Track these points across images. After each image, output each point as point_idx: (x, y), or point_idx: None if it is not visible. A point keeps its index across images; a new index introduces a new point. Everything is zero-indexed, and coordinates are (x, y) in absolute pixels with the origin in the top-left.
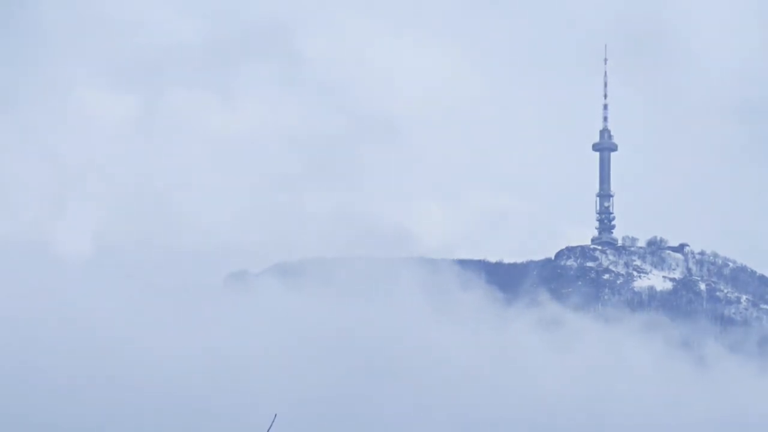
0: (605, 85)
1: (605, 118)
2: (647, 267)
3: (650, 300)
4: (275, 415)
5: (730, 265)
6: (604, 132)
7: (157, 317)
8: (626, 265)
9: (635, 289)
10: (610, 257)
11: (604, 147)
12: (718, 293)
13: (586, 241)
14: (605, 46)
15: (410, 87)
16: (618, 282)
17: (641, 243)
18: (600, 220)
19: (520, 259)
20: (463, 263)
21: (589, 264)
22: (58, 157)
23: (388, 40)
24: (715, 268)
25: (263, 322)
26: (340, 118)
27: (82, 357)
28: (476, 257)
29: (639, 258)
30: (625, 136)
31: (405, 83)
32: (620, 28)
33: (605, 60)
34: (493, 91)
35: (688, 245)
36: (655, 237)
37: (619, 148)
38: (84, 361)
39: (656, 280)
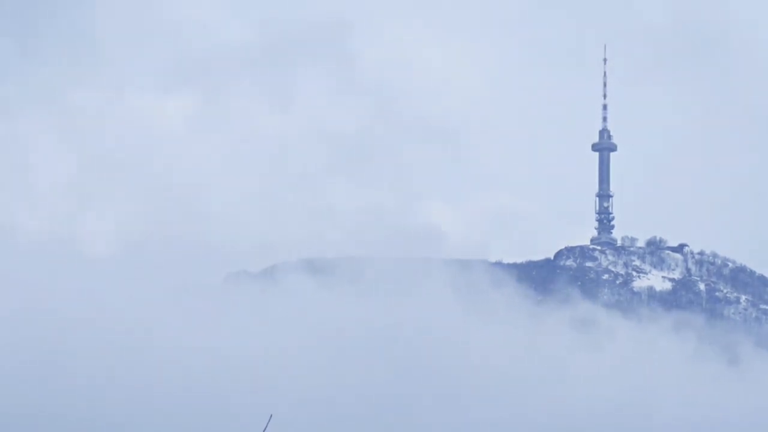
0: (605, 85)
1: (604, 119)
2: (647, 267)
3: (649, 300)
4: (270, 416)
5: (730, 265)
6: (604, 132)
7: (185, 313)
8: (625, 265)
9: (634, 290)
10: (610, 257)
11: (604, 147)
12: (717, 293)
13: (586, 242)
14: (605, 46)
15: (456, 90)
16: (617, 282)
17: (640, 243)
18: (599, 221)
19: (519, 260)
20: (493, 263)
21: (588, 264)
22: (103, 158)
23: (441, 43)
24: (714, 268)
25: (293, 320)
26: (386, 119)
27: (111, 354)
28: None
29: (638, 258)
30: (625, 137)
31: (450, 86)
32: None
33: (605, 60)
34: (493, 91)
35: (687, 245)
36: (655, 237)
37: (618, 148)
38: (112, 358)
39: (656, 281)
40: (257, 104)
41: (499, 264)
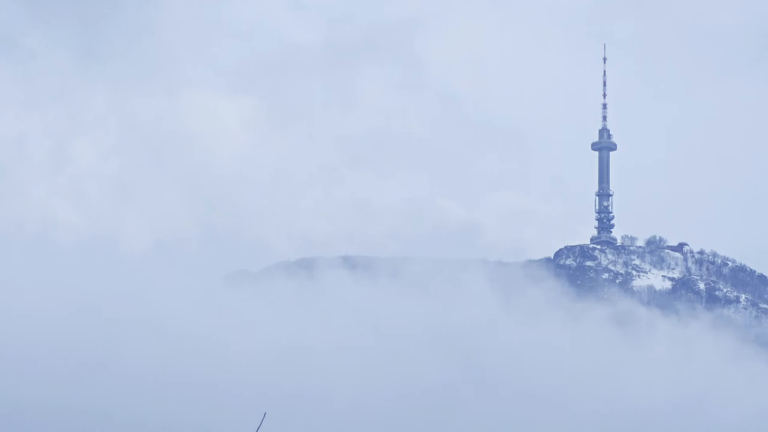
0: (604, 84)
1: (604, 118)
2: (646, 266)
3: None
4: (264, 414)
5: (729, 264)
6: (604, 131)
7: (223, 304)
8: (625, 264)
9: (634, 289)
10: (609, 257)
11: (604, 146)
12: (717, 292)
13: (585, 241)
14: (604, 45)
15: (519, 93)
16: (617, 281)
17: (640, 242)
18: (599, 220)
19: (519, 259)
20: (530, 260)
21: (588, 263)
22: (154, 157)
23: (506, 45)
24: (714, 267)
25: (332, 314)
26: (448, 120)
27: (153, 348)
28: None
29: (638, 257)
30: (625, 136)
31: (513, 89)
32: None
33: (604, 59)
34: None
35: (687, 244)
36: (655, 236)
37: (618, 147)
38: (154, 352)
39: (655, 280)
40: (320, 104)
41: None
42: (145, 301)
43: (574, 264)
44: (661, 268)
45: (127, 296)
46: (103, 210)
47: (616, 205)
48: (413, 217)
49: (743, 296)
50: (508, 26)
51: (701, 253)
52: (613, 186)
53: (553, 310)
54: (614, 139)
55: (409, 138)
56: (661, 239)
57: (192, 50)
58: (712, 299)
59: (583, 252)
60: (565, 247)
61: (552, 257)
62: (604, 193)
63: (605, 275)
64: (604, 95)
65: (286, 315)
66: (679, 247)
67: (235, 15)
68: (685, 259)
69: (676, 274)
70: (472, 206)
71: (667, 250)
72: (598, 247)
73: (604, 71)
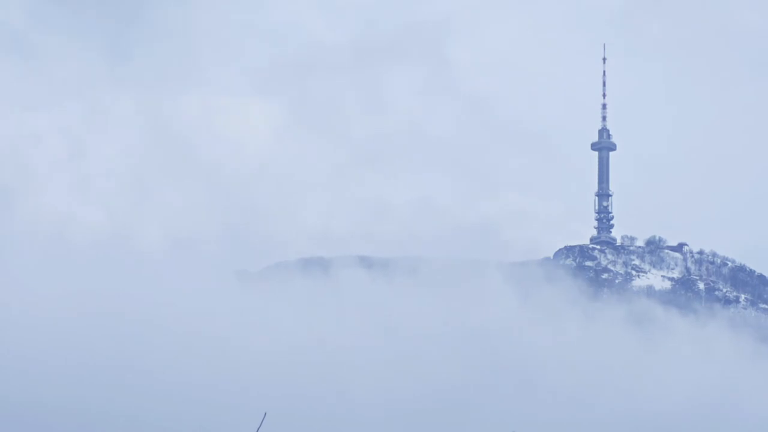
0: (604, 84)
1: (604, 118)
2: (646, 266)
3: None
4: (265, 414)
5: (729, 264)
6: (603, 131)
7: (239, 302)
8: (625, 264)
9: (634, 289)
10: (609, 257)
11: (603, 146)
12: (716, 292)
13: (585, 241)
14: (604, 45)
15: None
16: (617, 281)
17: (640, 242)
18: (599, 220)
19: (518, 259)
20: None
21: (588, 263)
22: (184, 158)
23: (532, 47)
24: (713, 267)
25: (347, 313)
26: (476, 122)
27: (168, 346)
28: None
29: (638, 257)
30: (624, 136)
31: (547, 93)
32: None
33: (604, 59)
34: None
35: (686, 244)
36: (654, 236)
37: (618, 147)
38: (169, 350)
39: (655, 280)
40: (346, 105)
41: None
42: (162, 299)
43: (574, 264)
44: (661, 268)
45: (143, 294)
46: (122, 208)
47: (616, 205)
48: (429, 216)
49: (743, 296)
50: (535, 28)
51: (701, 253)
52: (613, 186)
53: (570, 309)
54: (614, 140)
55: (432, 139)
56: (660, 239)
57: (220, 51)
58: (711, 299)
59: (582, 252)
60: (565, 247)
61: (551, 257)
62: (603, 193)
63: (605, 275)
64: (604, 95)
65: (301, 313)
66: (679, 247)
67: (263, 16)
68: (685, 259)
69: (675, 274)
70: (489, 206)
71: (666, 250)
72: (598, 247)
73: (604, 71)
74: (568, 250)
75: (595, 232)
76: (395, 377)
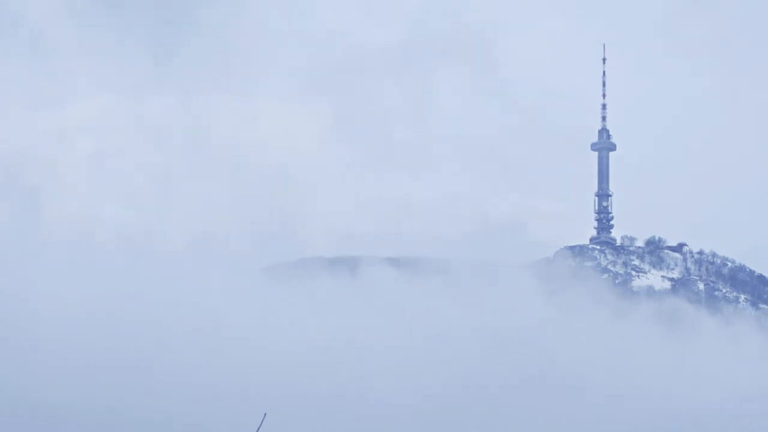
0: (604, 84)
1: (604, 118)
2: (646, 267)
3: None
4: (264, 415)
5: (729, 264)
6: (603, 131)
7: (264, 301)
8: (625, 264)
9: (634, 289)
10: (609, 257)
11: (603, 146)
12: (716, 293)
13: (585, 241)
14: (604, 45)
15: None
16: (616, 282)
17: (640, 243)
18: (599, 220)
19: (519, 259)
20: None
21: (588, 264)
22: (219, 159)
23: (581, 50)
24: (713, 267)
25: (374, 312)
26: (521, 125)
27: (192, 344)
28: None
29: (638, 258)
30: (625, 136)
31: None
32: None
33: (604, 60)
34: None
35: (686, 245)
36: (654, 236)
37: (617, 147)
38: (193, 348)
39: (655, 280)
40: (393, 106)
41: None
42: (188, 298)
43: (574, 264)
44: (661, 269)
45: (170, 292)
46: (151, 206)
47: (616, 206)
48: (456, 216)
49: (742, 296)
50: (585, 31)
51: (701, 253)
52: (613, 186)
53: (596, 308)
54: (614, 140)
55: (476, 141)
56: (660, 239)
57: (265, 52)
58: (711, 299)
59: (582, 252)
60: (565, 247)
61: (551, 257)
62: (603, 194)
63: (605, 276)
64: (604, 95)
65: (328, 312)
66: (679, 248)
67: (309, 18)
68: (685, 260)
69: (675, 275)
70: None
71: (666, 251)
72: (598, 247)
73: (604, 71)
74: (568, 251)
75: (594, 233)
76: (423, 377)
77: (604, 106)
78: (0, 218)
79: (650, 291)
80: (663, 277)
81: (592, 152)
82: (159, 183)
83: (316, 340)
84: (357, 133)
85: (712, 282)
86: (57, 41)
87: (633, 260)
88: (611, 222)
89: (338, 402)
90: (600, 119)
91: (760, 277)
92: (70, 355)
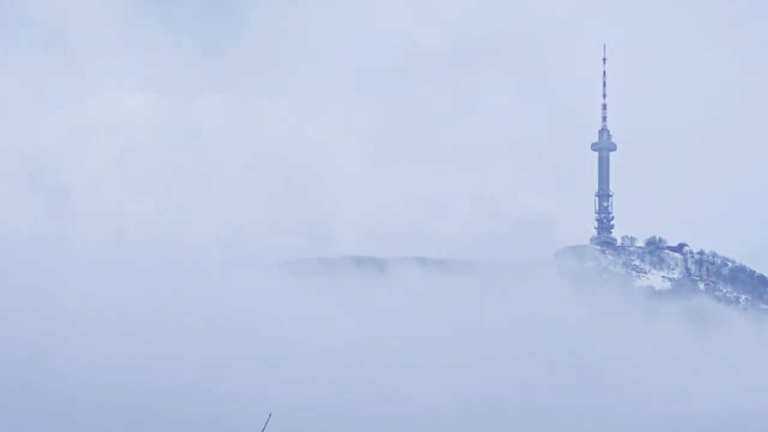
0: (604, 84)
1: (604, 118)
2: (646, 267)
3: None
4: (270, 415)
5: (729, 264)
6: (603, 132)
7: (291, 298)
8: (625, 264)
9: (634, 289)
10: (609, 257)
11: (603, 147)
12: (717, 293)
13: (585, 241)
14: (604, 45)
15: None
16: (616, 282)
17: (640, 243)
18: (599, 220)
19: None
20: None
21: (588, 264)
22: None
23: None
24: (714, 267)
25: (404, 311)
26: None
27: (219, 344)
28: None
29: (638, 258)
30: (625, 136)
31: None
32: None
33: (604, 60)
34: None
35: (687, 245)
36: (654, 237)
37: (618, 147)
38: (220, 348)
39: (655, 280)
40: (440, 109)
41: None
42: (217, 296)
43: (574, 264)
44: (661, 269)
45: (197, 291)
46: (181, 204)
47: (616, 206)
48: (484, 214)
49: (743, 297)
50: (639, 35)
51: (701, 253)
52: (613, 186)
53: (627, 306)
54: (614, 140)
55: (522, 144)
56: (660, 240)
57: (312, 53)
58: (711, 299)
59: (583, 252)
60: (565, 247)
61: (552, 257)
62: (603, 194)
63: (605, 276)
64: (604, 95)
65: (357, 311)
66: (679, 248)
67: (359, 20)
68: (685, 260)
69: (675, 275)
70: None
71: (666, 251)
72: (598, 247)
73: (604, 71)
74: (568, 251)
75: (595, 233)
76: (455, 378)
77: (604, 107)
78: (30, 216)
79: (650, 291)
80: (663, 277)
81: (593, 152)
82: (189, 181)
83: (345, 339)
84: (400, 134)
85: (713, 282)
86: (100, 38)
87: (633, 260)
88: (611, 222)
89: (368, 402)
90: (600, 119)
91: (761, 277)
92: (99, 354)
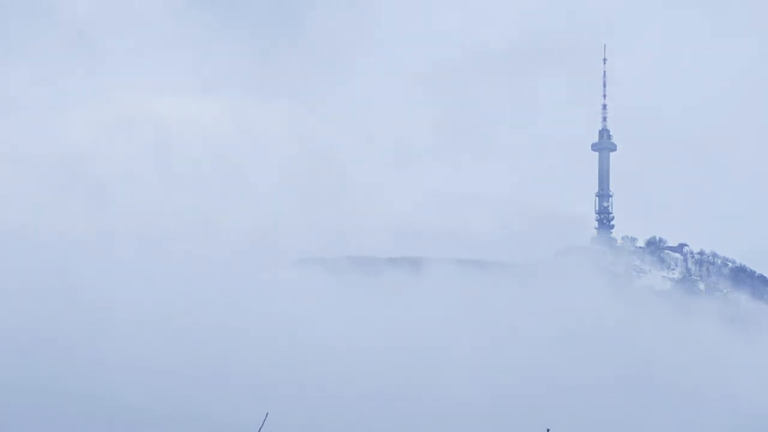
0: (604, 85)
1: (604, 118)
2: (646, 267)
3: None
4: (266, 414)
5: (729, 265)
6: (604, 132)
7: (333, 299)
8: (625, 265)
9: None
10: (610, 257)
11: (604, 147)
12: (717, 293)
13: (585, 241)
14: (604, 46)
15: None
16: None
17: (640, 243)
18: (599, 220)
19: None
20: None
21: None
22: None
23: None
24: (714, 267)
25: (443, 310)
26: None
27: (262, 342)
28: None
29: (638, 258)
30: (625, 137)
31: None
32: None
33: (604, 60)
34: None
35: (687, 245)
36: (655, 237)
37: (618, 147)
38: (264, 348)
39: (655, 280)
40: (500, 110)
41: None
42: (251, 294)
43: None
44: (662, 269)
45: (233, 288)
46: (218, 200)
47: (617, 206)
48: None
49: (743, 297)
50: (703, 37)
51: (701, 253)
52: (613, 187)
53: (661, 304)
54: (614, 140)
55: (578, 147)
56: (661, 240)
57: (376, 54)
58: (712, 300)
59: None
60: (566, 247)
61: (552, 257)
62: (604, 194)
63: (605, 276)
64: (604, 95)
65: (394, 310)
66: (679, 248)
67: (422, 21)
68: (685, 260)
69: (676, 275)
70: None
71: (667, 251)
72: (599, 247)
73: (604, 72)
74: (568, 251)
75: (595, 233)
76: (495, 378)
77: (604, 107)
78: (67, 215)
79: (651, 291)
80: (664, 277)
81: (593, 152)
82: (226, 179)
83: (383, 338)
84: (458, 133)
85: (713, 282)
86: (156, 36)
87: (634, 260)
88: (612, 222)
89: (404, 402)
90: (601, 119)
91: (761, 277)
92: (138, 350)
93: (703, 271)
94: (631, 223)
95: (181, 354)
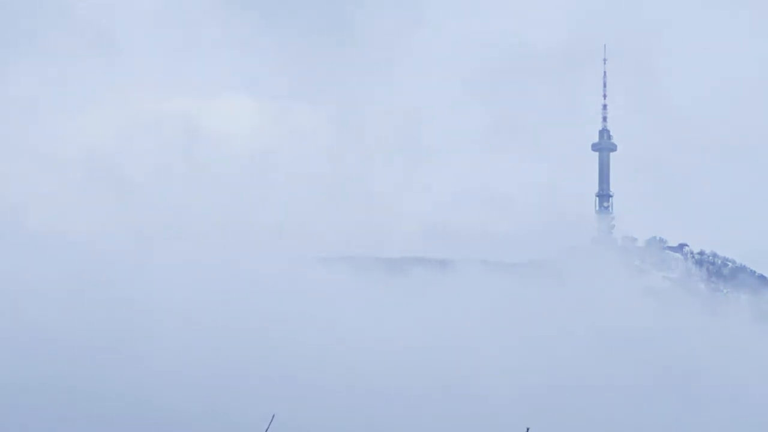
0: (604, 85)
1: (604, 118)
2: (647, 267)
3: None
4: (273, 416)
5: (730, 265)
6: (604, 132)
7: (359, 298)
8: (626, 265)
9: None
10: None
11: (604, 147)
12: (717, 293)
13: (586, 242)
14: (604, 46)
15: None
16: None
17: (640, 243)
18: (599, 220)
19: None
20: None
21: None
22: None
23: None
24: (714, 268)
25: (467, 308)
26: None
27: (287, 341)
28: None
29: (638, 258)
30: (625, 137)
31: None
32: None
33: (604, 60)
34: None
35: (687, 245)
36: (655, 237)
37: (618, 148)
38: (290, 348)
39: (656, 280)
40: (547, 111)
41: None
42: (277, 294)
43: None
44: (662, 269)
45: (256, 288)
46: (246, 198)
47: (617, 206)
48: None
49: (743, 297)
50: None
51: (701, 253)
52: (614, 187)
53: (690, 301)
54: (614, 140)
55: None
56: (661, 240)
57: (416, 56)
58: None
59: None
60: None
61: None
62: (604, 194)
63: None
64: (604, 96)
65: (424, 311)
66: (680, 248)
67: (468, 21)
68: (686, 260)
69: (676, 275)
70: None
71: (667, 251)
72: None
73: (604, 72)
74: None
75: (595, 233)
76: (529, 379)
77: (604, 107)
78: (102, 211)
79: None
80: (664, 277)
81: (593, 153)
82: (254, 175)
83: (410, 338)
84: (505, 135)
85: (713, 282)
86: (203, 36)
87: (634, 261)
88: (612, 222)
89: (431, 403)
90: (601, 120)
91: (761, 277)
92: (175, 349)
93: (704, 271)
94: (632, 223)
95: (206, 354)
